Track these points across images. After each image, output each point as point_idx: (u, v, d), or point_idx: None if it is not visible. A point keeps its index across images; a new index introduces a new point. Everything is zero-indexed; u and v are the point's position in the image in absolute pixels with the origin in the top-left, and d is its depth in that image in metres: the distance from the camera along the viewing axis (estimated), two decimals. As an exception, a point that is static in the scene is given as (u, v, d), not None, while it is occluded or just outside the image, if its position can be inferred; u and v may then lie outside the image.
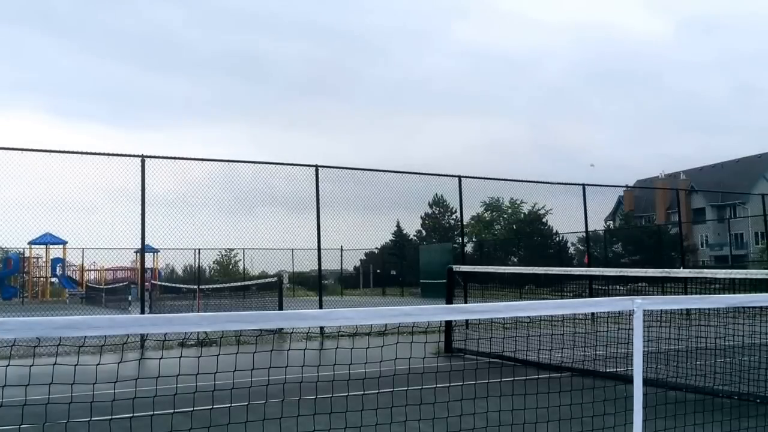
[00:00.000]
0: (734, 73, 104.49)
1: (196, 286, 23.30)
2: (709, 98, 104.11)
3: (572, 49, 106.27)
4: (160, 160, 12.29)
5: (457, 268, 10.43)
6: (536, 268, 15.56)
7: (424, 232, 45.21)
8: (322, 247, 13.91)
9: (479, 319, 8.52)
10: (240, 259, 36.48)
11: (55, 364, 2.79)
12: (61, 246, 31.01)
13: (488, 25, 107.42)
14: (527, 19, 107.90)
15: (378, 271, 40.12)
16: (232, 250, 36.03)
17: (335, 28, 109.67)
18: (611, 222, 52.17)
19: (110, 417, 4.22)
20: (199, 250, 29.04)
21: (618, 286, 22.07)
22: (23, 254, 31.78)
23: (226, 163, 13.99)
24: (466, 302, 13.13)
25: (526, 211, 44.32)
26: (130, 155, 12.00)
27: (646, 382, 3.90)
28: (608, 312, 6.28)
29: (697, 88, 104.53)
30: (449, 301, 9.56)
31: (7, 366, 2.68)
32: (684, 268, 17.86)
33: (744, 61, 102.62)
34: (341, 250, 31.30)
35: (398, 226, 38.69)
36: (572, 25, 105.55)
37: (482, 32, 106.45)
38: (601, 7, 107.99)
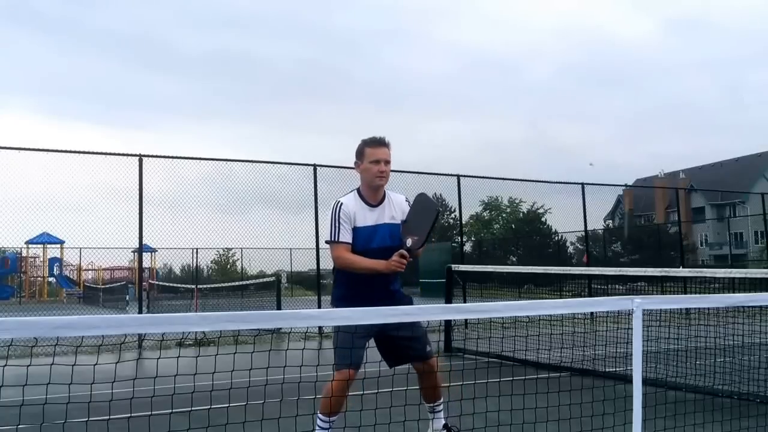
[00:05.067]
0: (725, 73, 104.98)
1: (193, 286, 23.29)
2: (702, 98, 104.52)
3: (563, 50, 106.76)
4: (157, 159, 12.28)
5: (456, 267, 10.42)
6: (535, 267, 15.56)
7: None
8: (320, 246, 13.90)
9: (478, 319, 8.50)
10: (238, 259, 36.48)
11: (52, 364, 2.77)
12: (58, 245, 30.91)
13: (478, 27, 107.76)
14: (516, 20, 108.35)
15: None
16: (230, 249, 35.98)
17: (325, 28, 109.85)
18: (610, 221, 52.19)
19: (108, 417, 4.21)
20: (196, 249, 28.98)
21: (617, 286, 22.09)
22: (20, 254, 31.71)
23: (224, 162, 13.98)
24: (465, 302, 13.12)
25: (525, 211, 44.36)
26: (127, 154, 11.98)
27: (646, 381, 3.89)
28: (607, 311, 6.28)
29: (690, 88, 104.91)
30: (448, 301, 9.55)
31: (4, 366, 2.66)
32: (683, 267, 17.86)
33: (733, 61, 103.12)
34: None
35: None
36: (562, 26, 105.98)
37: (472, 34, 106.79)
38: (589, 8, 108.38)
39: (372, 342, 4.18)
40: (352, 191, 4.31)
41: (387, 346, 4.22)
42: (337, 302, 4.24)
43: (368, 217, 4.17)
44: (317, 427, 3.93)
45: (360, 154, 4.22)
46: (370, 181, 4.19)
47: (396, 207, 4.26)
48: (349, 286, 4.24)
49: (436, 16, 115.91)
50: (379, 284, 4.10)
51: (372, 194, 4.23)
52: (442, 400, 4.36)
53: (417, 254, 4.09)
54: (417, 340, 4.19)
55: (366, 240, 4.12)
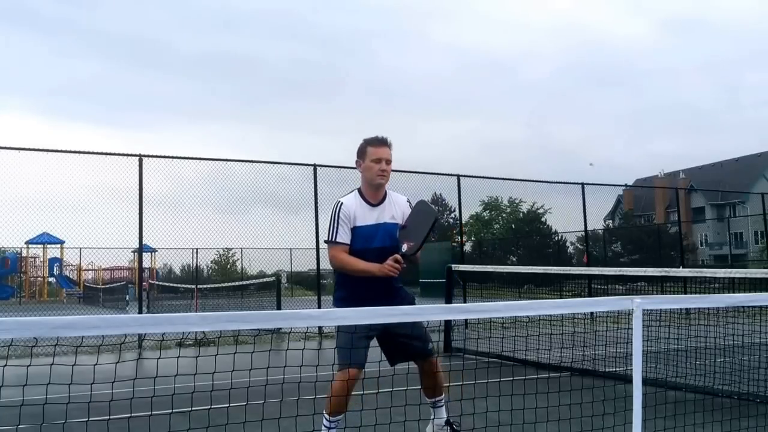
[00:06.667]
0: (724, 73, 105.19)
1: (193, 286, 23.29)
2: (701, 98, 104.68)
3: (561, 50, 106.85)
4: (157, 159, 12.27)
5: (456, 267, 10.42)
6: (535, 267, 15.55)
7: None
8: (320, 246, 13.90)
9: (478, 319, 8.52)
10: (238, 259, 36.46)
11: (52, 364, 2.77)
12: (58, 245, 30.88)
13: (476, 27, 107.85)
14: (514, 20, 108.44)
15: (377, 270, 39.92)
16: (230, 249, 35.94)
17: (324, 29, 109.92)
18: (610, 221, 52.19)
19: (108, 417, 4.20)
20: (196, 249, 28.97)
21: (617, 286, 22.08)
22: (20, 254, 31.69)
23: (224, 162, 13.97)
24: (465, 302, 13.12)
25: (525, 211, 44.36)
26: (127, 155, 11.98)
27: (646, 381, 3.89)
28: (607, 311, 6.28)
29: (689, 88, 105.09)
30: (448, 301, 9.54)
31: (4, 366, 2.66)
32: (683, 267, 17.86)
33: (731, 61, 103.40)
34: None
35: (397, 225, 38.56)
36: (559, 26, 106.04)
37: (471, 34, 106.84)
38: (587, 8, 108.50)
39: (374, 341, 4.20)
40: (353, 191, 4.32)
41: (389, 345, 4.25)
42: (338, 303, 4.25)
43: (369, 216, 4.19)
44: (323, 427, 3.96)
45: (362, 152, 4.24)
46: (371, 179, 4.21)
47: (397, 207, 4.28)
48: (348, 287, 4.25)
49: (434, 17, 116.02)
50: (379, 283, 4.09)
51: (373, 193, 4.25)
52: (443, 396, 4.39)
53: (414, 260, 4.10)
54: (418, 338, 4.21)
55: (366, 239, 4.13)
